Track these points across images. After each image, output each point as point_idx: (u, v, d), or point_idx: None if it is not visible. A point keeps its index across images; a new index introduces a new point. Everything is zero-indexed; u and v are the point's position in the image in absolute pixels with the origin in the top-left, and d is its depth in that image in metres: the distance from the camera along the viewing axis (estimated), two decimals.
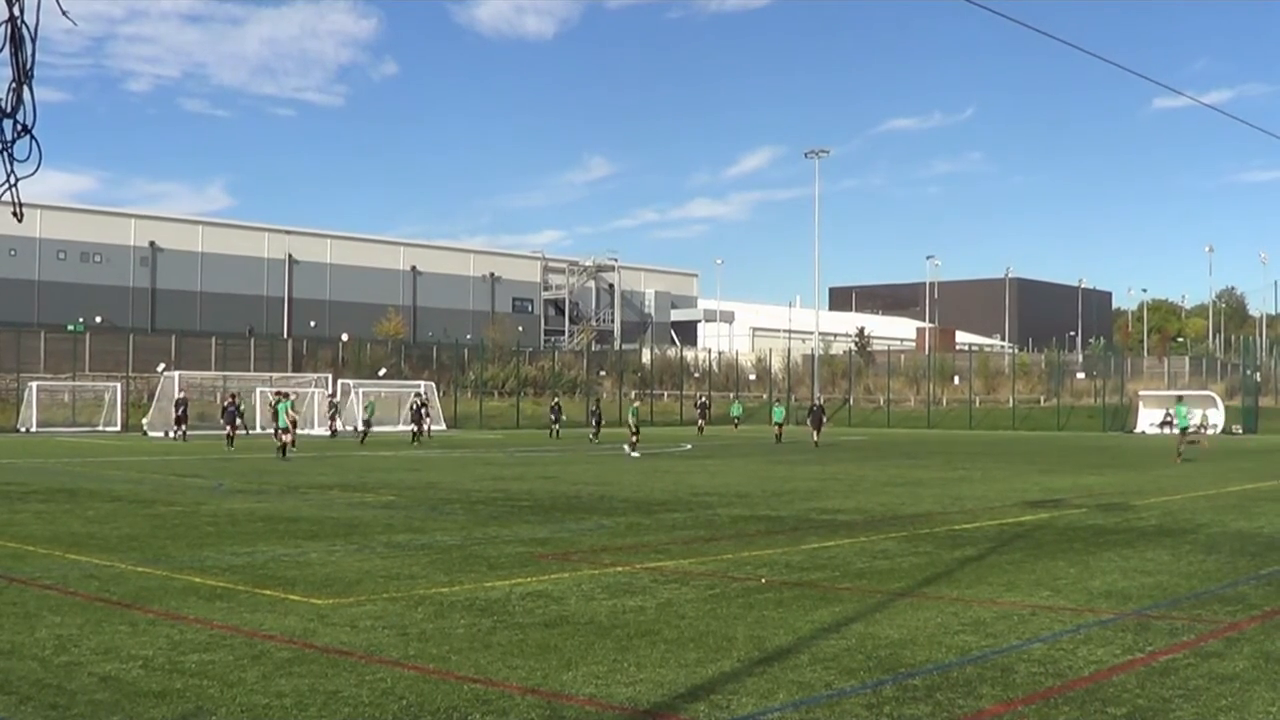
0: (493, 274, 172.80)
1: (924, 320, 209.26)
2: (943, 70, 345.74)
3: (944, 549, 25.09)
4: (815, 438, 73.39)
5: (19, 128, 3.18)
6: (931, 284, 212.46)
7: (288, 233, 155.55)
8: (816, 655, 14.62)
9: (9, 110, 3.17)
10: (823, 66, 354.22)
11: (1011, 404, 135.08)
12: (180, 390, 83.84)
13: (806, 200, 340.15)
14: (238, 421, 62.32)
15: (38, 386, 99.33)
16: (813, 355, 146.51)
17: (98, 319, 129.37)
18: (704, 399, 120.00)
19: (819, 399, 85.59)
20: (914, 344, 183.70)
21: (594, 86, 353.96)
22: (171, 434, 79.09)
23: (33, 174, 3.20)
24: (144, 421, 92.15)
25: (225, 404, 58.77)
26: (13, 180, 3.17)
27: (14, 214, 3.23)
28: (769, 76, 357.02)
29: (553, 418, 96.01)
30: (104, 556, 23.56)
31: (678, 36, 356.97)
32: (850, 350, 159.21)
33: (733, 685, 13.06)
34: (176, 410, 77.36)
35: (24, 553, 24.07)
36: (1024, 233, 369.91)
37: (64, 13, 3.23)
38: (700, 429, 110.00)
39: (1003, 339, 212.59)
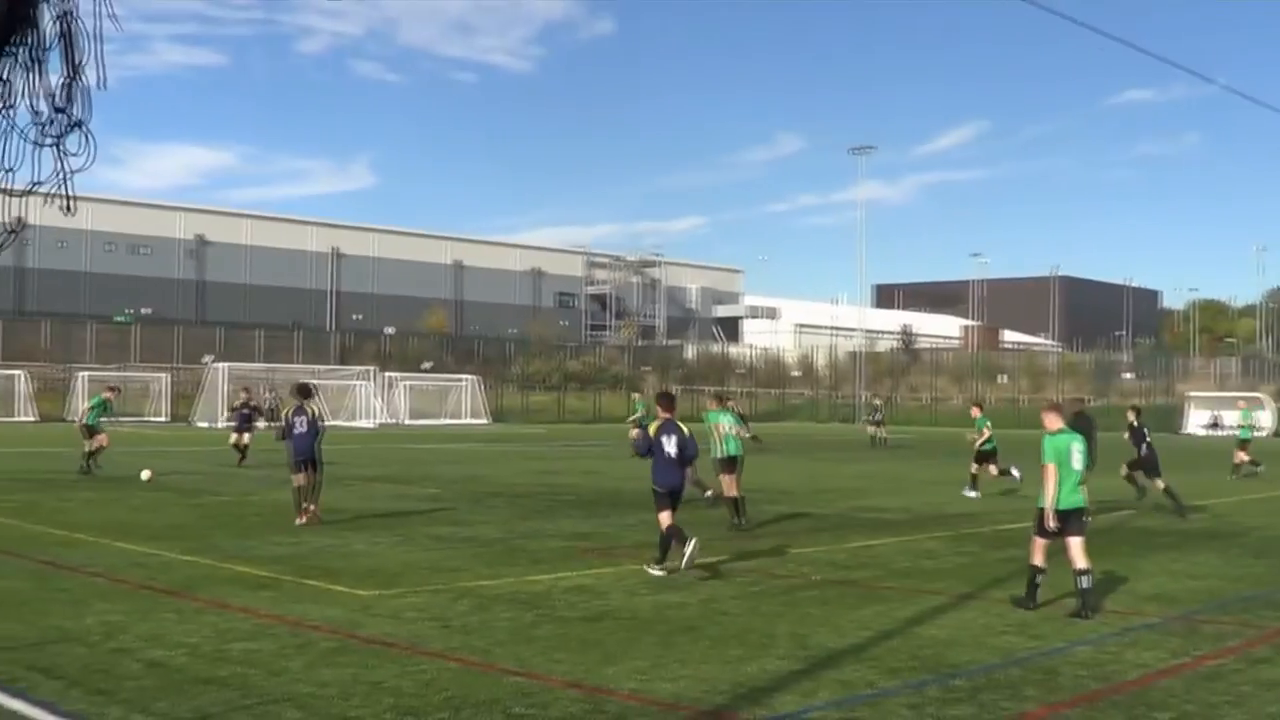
0: (537, 269, 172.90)
1: (969, 318, 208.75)
2: (983, 71, 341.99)
3: (989, 549, 25.01)
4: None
5: (71, 122, 3.17)
6: (977, 282, 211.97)
7: (333, 226, 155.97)
8: (859, 654, 14.59)
9: (61, 104, 3.17)
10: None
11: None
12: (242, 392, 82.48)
13: (978, 183, 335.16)
14: (253, 425, 51.65)
15: (86, 377, 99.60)
16: (860, 353, 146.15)
17: (144, 310, 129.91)
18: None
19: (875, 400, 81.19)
20: (959, 342, 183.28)
21: (795, 53, 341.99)
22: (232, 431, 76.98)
23: (85, 168, 3.20)
24: (195, 416, 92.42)
25: (238, 405, 50.35)
26: (65, 173, 3.17)
27: (65, 208, 3.22)
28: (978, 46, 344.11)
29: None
30: (151, 545, 23.67)
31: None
32: (895, 348, 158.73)
33: (775, 683, 13.04)
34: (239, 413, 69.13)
35: (72, 540, 24.19)
36: (1072, 230, 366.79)
37: (111, 15, 3.22)
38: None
39: (1050, 337, 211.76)
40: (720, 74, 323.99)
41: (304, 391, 29.70)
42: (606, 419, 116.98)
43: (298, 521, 27.58)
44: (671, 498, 21.38)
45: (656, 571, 20.92)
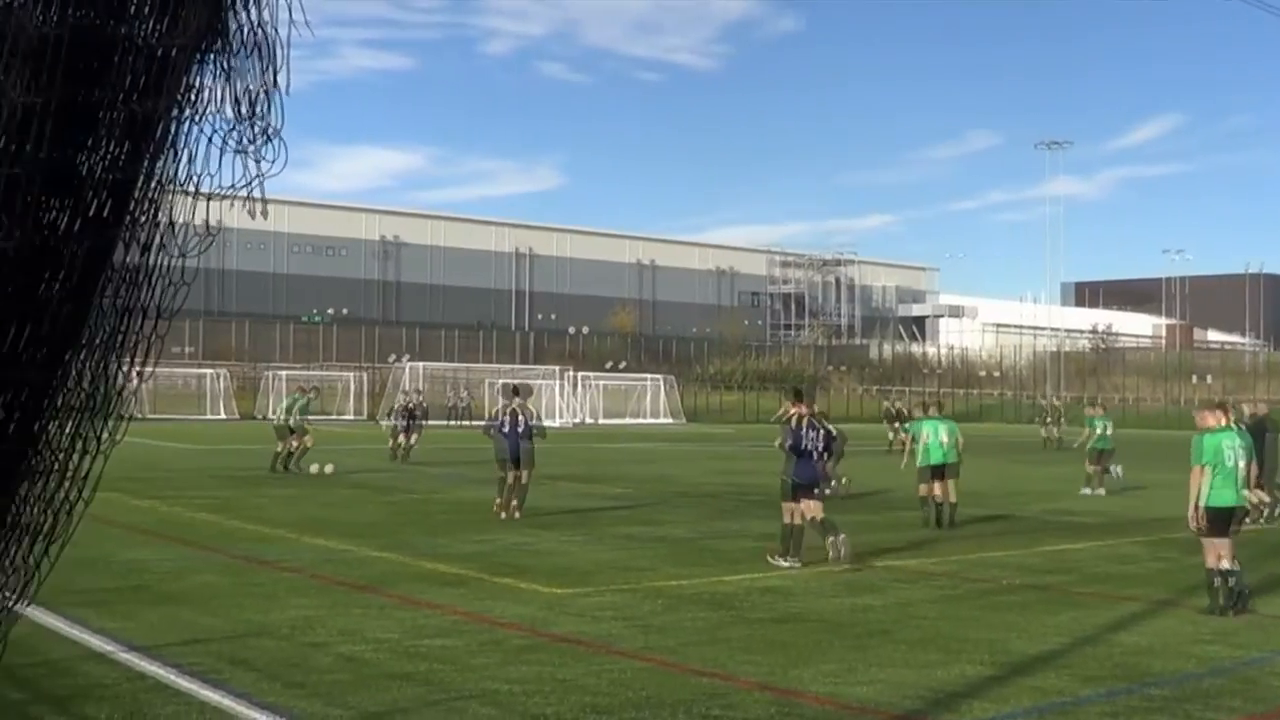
0: (726, 268, 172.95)
1: (1165, 316, 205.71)
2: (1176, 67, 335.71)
3: (1188, 554, 24.42)
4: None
5: (264, 128, 3.18)
6: (1174, 279, 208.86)
7: (522, 227, 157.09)
8: (1055, 661, 14.39)
9: (256, 112, 3.18)
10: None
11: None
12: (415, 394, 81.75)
13: (1174, 177, 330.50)
14: (416, 426, 51.76)
15: (279, 375, 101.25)
16: (1054, 352, 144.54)
17: (332, 311, 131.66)
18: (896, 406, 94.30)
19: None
20: (1155, 341, 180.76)
21: (984, 48, 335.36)
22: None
23: (276, 173, 3.21)
24: (381, 415, 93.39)
25: (405, 404, 48.89)
26: (259, 178, 3.18)
27: (257, 212, 3.23)
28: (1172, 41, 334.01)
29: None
30: (344, 541, 23.96)
31: None
32: (1091, 347, 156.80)
33: (969, 689, 12.90)
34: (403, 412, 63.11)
35: (269, 536, 24.57)
36: (1274, 226, 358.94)
37: (305, 22, 3.22)
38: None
39: (1257, 336, 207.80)
40: (908, 70, 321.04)
41: (515, 391, 30.91)
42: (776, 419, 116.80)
43: (500, 514, 28.71)
44: (809, 490, 22.15)
45: (780, 561, 21.74)
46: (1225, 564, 17.56)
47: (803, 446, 22.32)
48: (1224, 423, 18.67)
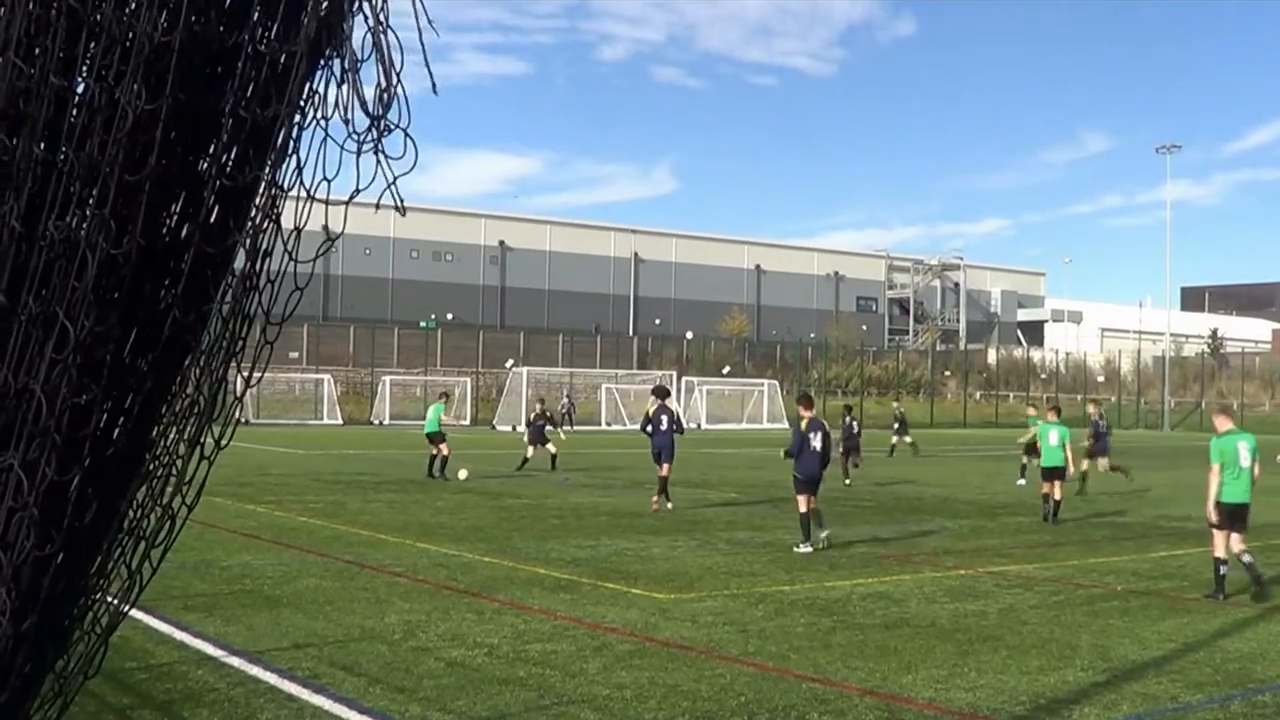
0: (836, 272, 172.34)
1: None
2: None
3: None
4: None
5: (388, 128, 3.25)
6: None
7: (633, 232, 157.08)
8: (1162, 667, 14.32)
9: (381, 112, 3.25)
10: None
11: None
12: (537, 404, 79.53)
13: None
14: (546, 437, 49.92)
15: (390, 380, 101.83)
16: (1163, 357, 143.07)
17: (449, 316, 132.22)
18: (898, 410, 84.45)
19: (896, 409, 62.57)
20: (1269, 346, 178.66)
21: (1100, 49, 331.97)
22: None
23: (408, 171, 3.28)
24: (496, 420, 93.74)
25: (533, 417, 48.74)
26: (390, 179, 3.25)
27: (397, 209, 3.31)
28: None
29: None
30: (452, 546, 24.11)
31: None
32: (1203, 352, 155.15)
33: (1075, 695, 12.87)
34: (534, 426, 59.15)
35: (376, 541, 24.74)
36: None
37: (429, 23, 3.28)
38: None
39: None
40: (1022, 72, 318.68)
41: (663, 393, 33.79)
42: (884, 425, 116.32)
43: (652, 507, 31.67)
44: (811, 485, 25.15)
45: (804, 549, 24.28)
46: (1243, 554, 19.56)
47: (809, 447, 25.42)
48: (1232, 426, 20.85)
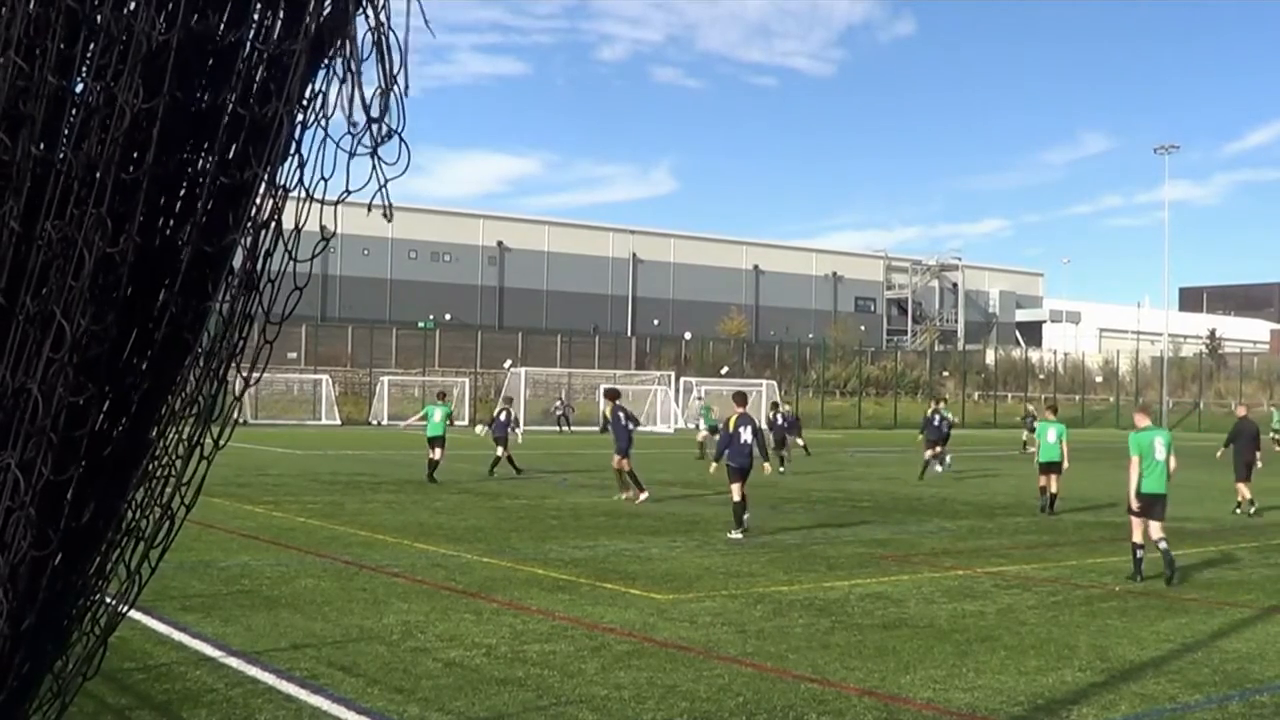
0: (835, 273, 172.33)
1: (1279, 322, 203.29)
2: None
3: None
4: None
5: (385, 132, 3.24)
6: None
7: (632, 232, 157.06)
8: (1160, 667, 14.33)
9: (377, 115, 3.24)
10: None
11: None
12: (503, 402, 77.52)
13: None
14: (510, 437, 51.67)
15: (389, 381, 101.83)
16: (1161, 357, 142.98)
17: (447, 316, 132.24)
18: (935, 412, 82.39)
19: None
20: (1268, 346, 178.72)
21: (1099, 49, 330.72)
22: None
23: (400, 175, 3.27)
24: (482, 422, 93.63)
25: (502, 416, 48.68)
26: (382, 182, 3.24)
27: (384, 215, 3.30)
28: None
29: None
30: (450, 546, 24.12)
31: None
32: (1201, 353, 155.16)
33: (1073, 695, 12.88)
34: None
35: (374, 541, 24.75)
36: None
37: (426, 25, 3.29)
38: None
39: None
40: (1022, 73, 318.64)
41: (614, 394, 36.40)
42: (905, 425, 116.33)
43: (626, 500, 33.95)
44: (743, 475, 27.30)
45: (735, 535, 26.51)
46: (1159, 540, 21.54)
47: (738, 440, 27.54)
48: (1150, 424, 23.28)
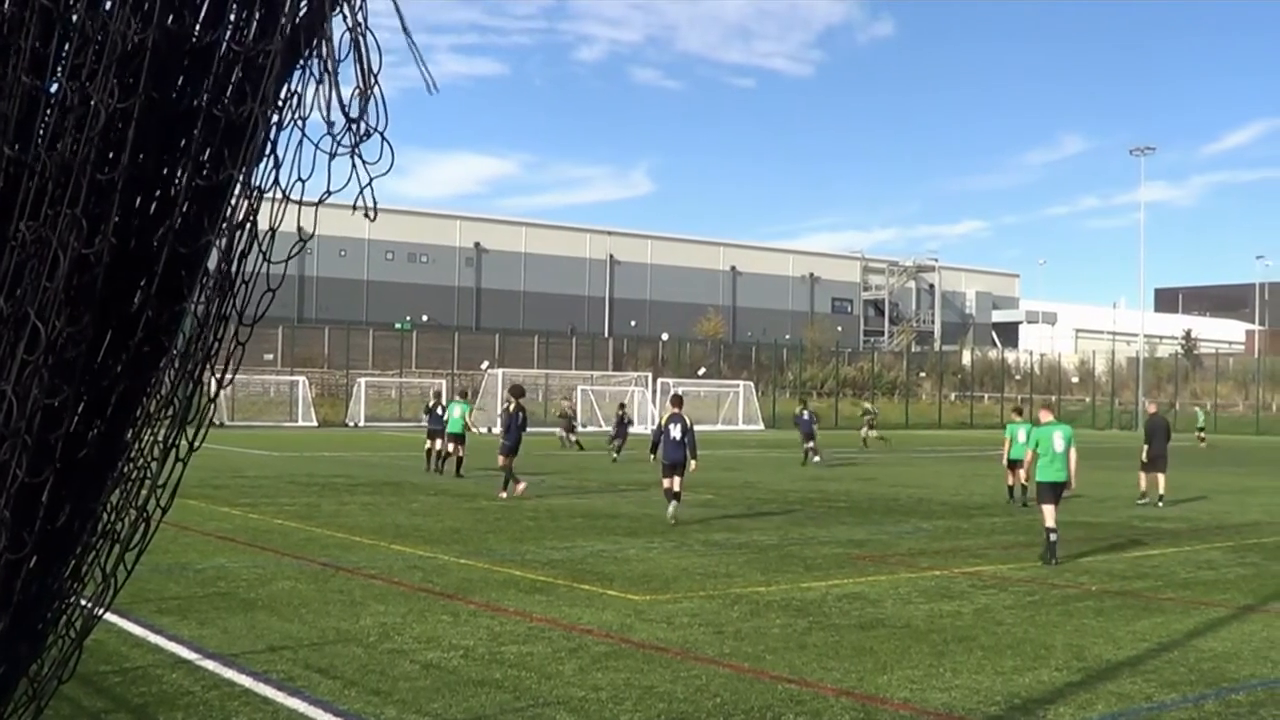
0: (812, 274, 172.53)
1: (1254, 323, 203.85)
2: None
3: (1273, 560, 24.44)
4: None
5: (365, 130, 3.24)
6: (1262, 285, 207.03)
7: (609, 234, 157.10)
8: (1137, 666, 14.36)
9: (357, 114, 3.23)
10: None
11: None
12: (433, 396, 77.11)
13: (1266, 183, 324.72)
14: (622, 433, 60.61)
15: (366, 382, 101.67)
16: (1137, 358, 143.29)
17: (424, 317, 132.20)
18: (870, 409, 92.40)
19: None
20: (1243, 347, 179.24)
21: (1077, 51, 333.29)
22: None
23: (385, 174, 3.27)
24: (472, 420, 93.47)
25: (431, 406, 52.84)
26: (365, 182, 3.24)
27: (366, 215, 3.29)
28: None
29: None
30: (427, 548, 24.09)
31: None
32: (1176, 353, 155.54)
33: (1050, 694, 12.90)
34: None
35: (351, 543, 24.72)
36: None
37: (403, 28, 3.28)
38: (864, 442, 78.50)
39: None
40: (1001, 74, 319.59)
41: (519, 392, 38.04)
42: (882, 426, 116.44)
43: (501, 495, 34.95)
44: (674, 469, 29.42)
45: (669, 511, 29.01)
46: (1048, 523, 23.77)
47: (669, 437, 29.76)
48: (1052, 419, 25.92)
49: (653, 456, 32.54)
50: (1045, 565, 23.01)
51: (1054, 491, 24.39)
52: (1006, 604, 18.74)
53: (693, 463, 29.95)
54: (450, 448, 44.83)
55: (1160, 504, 35.92)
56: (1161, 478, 36.91)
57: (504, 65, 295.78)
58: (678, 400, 32.06)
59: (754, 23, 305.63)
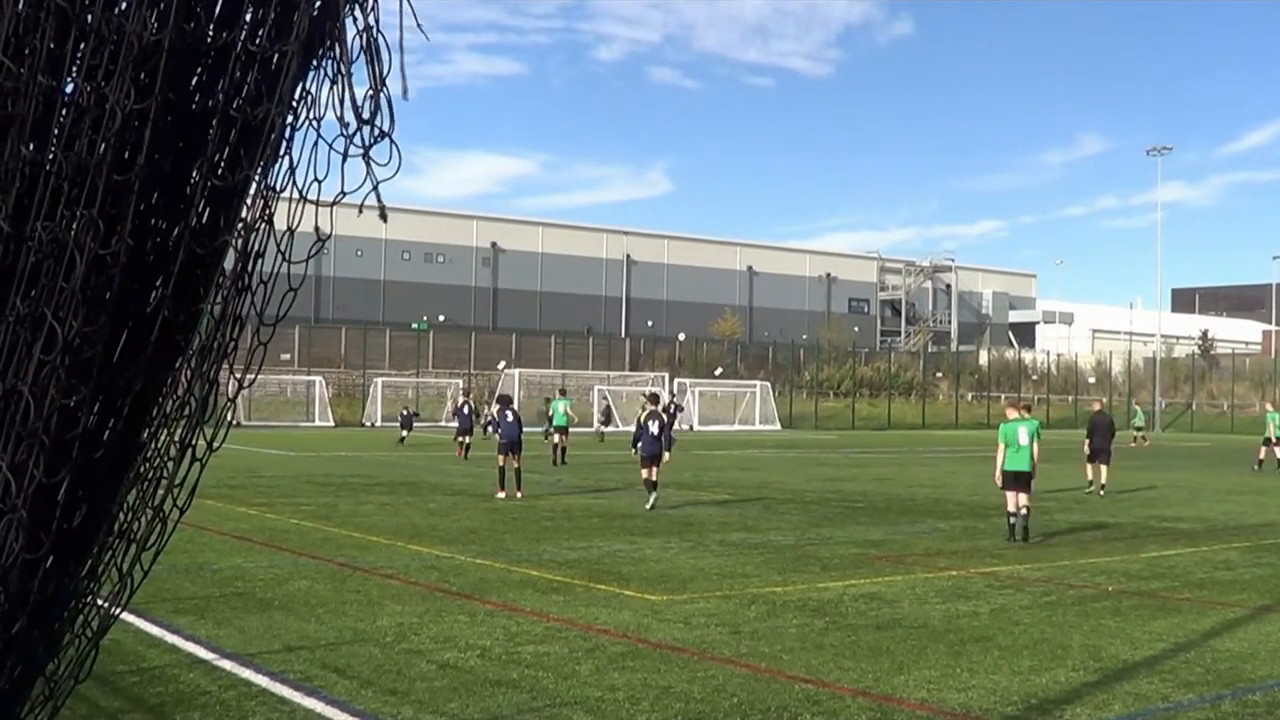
0: (829, 274, 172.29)
1: (1270, 323, 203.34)
2: None
3: None
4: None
5: (377, 133, 3.23)
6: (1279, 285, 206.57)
7: (626, 233, 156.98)
8: (1153, 666, 14.34)
9: (368, 116, 3.23)
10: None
11: None
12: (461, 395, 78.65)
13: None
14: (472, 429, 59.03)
15: (382, 382, 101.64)
16: (1154, 358, 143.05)
17: (441, 318, 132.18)
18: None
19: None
20: (1260, 347, 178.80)
21: (1097, 50, 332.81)
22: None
23: (392, 177, 3.26)
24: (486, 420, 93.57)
25: (463, 407, 57.74)
26: (374, 184, 3.23)
27: (381, 216, 3.29)
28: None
29: None
30: (444, 548, 24.10)
31: None
32: (1193, 354, 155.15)
33: (1067, 695, 12.88)
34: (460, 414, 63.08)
35: (368, 543, 24.73)
36: None
37: (418, 26, 3.28)
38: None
39: None
40: (1020, 74, 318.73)
41: (506, 400, 39.98)
42: (899, 425, 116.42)
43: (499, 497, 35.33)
44: (651, 461, 32.88)
45: (650, 501, 32.37)
46: (1021, 509, 26.96)
47: (647, 432, 33.19)
48: (1020, 415, 28.18)
49: (633, 450, 34.54)
50: (1010, 542, 26.61)
51: (1018, 480, 27.22)
52: (1023, 604, 18.71)
53: (666, 454, 32.76)
54: (556, 438, 52.14)
55: (1102, 493, 39.76)
56: (1105, 469, 41.13)
57: (522, 65, 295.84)
58: (654, 398, 36.13)
59: (772, 22, 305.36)
